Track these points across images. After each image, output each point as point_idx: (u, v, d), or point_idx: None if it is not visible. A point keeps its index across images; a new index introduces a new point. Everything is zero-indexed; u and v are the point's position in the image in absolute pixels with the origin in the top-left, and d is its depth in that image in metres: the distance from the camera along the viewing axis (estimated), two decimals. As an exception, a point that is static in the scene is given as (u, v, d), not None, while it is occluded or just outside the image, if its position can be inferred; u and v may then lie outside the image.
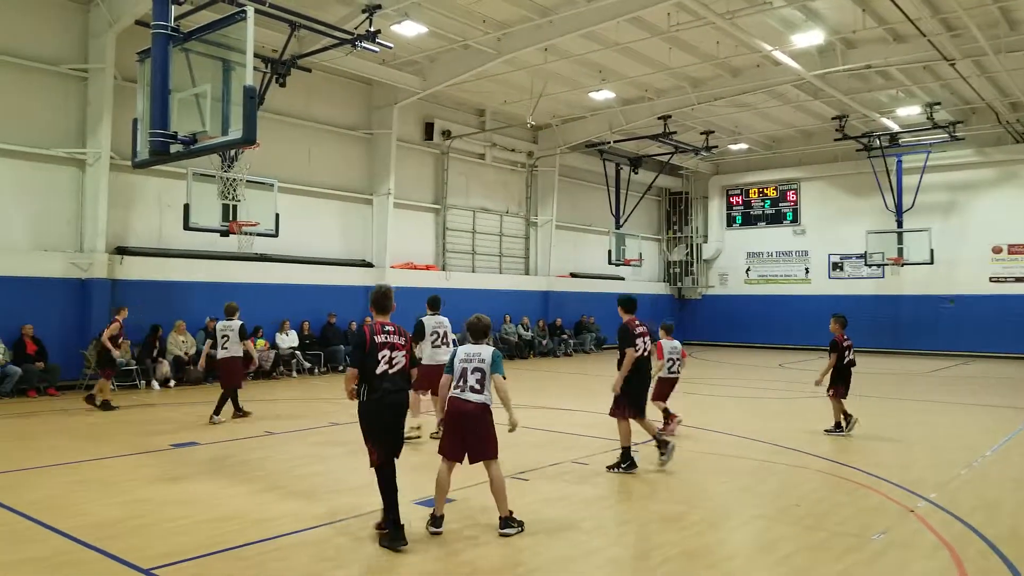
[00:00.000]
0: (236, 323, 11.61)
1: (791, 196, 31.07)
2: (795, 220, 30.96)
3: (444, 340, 10.10)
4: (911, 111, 23.77)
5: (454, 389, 6.25)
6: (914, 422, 12.86)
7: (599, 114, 24.58)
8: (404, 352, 6.10)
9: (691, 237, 33.35)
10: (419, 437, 9.92)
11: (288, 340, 18.20)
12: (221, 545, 5.78)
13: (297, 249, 19.34)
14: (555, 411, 12.81)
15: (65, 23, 15.34)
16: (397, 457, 6.08)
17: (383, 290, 6.26)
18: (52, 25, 15.23)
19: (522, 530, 6.18)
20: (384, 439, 6.00)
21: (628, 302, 8.97)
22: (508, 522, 6.17)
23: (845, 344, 11.03)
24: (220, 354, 11.53)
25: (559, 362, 23.52)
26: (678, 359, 10.68)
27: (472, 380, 6.16)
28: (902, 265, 25.67)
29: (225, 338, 11.50)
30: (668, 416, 10.64)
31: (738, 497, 7.57)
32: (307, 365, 18.27)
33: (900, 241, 25.62)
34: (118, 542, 5.82)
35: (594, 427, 11.38)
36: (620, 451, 8.57)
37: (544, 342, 25.22)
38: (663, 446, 8.74)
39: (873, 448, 10.11)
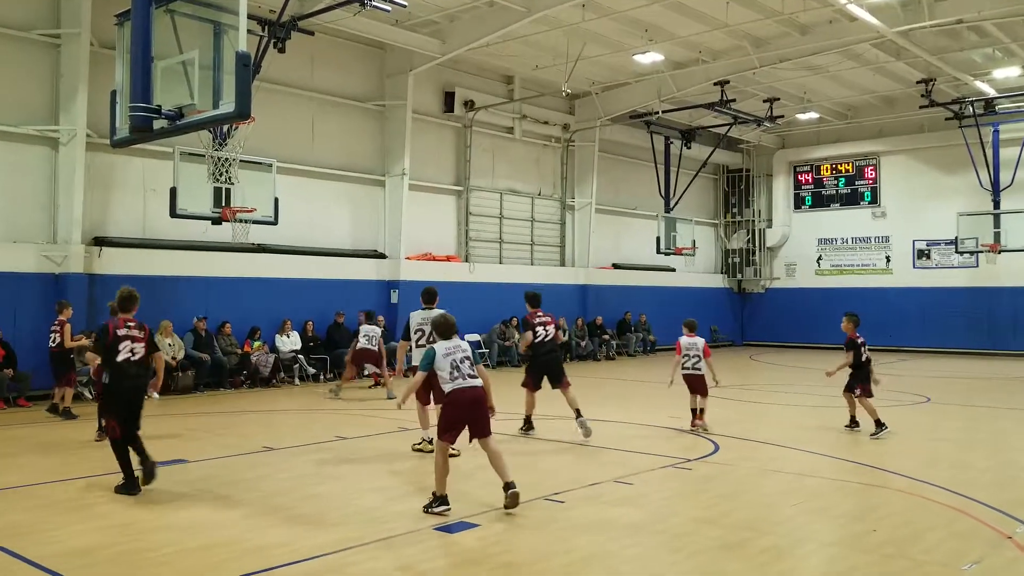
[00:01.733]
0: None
1: (869, 173, 30.68)
2: (874, 201, 30.59)
3: (430, 339, 10.00)
4: (1010, 72, 23.41)
5: (452, 381, 7.48)
6: (1013, 435, 12.62)
7: (645, 80, 24.40)
8: (143, 344, 8.26)
9: (753, 221, 33.08)
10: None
11: (289, 342, 18.30)
12: (212, 576, 5.78)
13: (299, 239, 19.44)
14: (594, 423, 12.70)
15: (34, -17, 15.52)
16: (132, 433, 8.12)
17: (128, 292, 8.44)
18: (20, -15, 15.42)
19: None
20: (123, 416, 8.08)
21: (533, 297, 12.02)
22: (511, 485, 7.39)
23: (860, 342, 12.08)
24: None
25: (600, 367, 23.43)
26: (698, 355, 12.02)
27: (466, 368, 7.54)
28: (999, 252, 25.23)
29: None
30: (697, 414, 12.16)
31: (808, 521, 7.51)
32: (311, 371, 18.35)
33: (997, 224, 25.24)
34: (97, 572, 5.86)
35: (638, 441, 11.34)
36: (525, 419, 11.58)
37: (583, 344, 25.17)
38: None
39: (964, 465, 9.96)
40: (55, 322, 13.11)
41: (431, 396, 10.37)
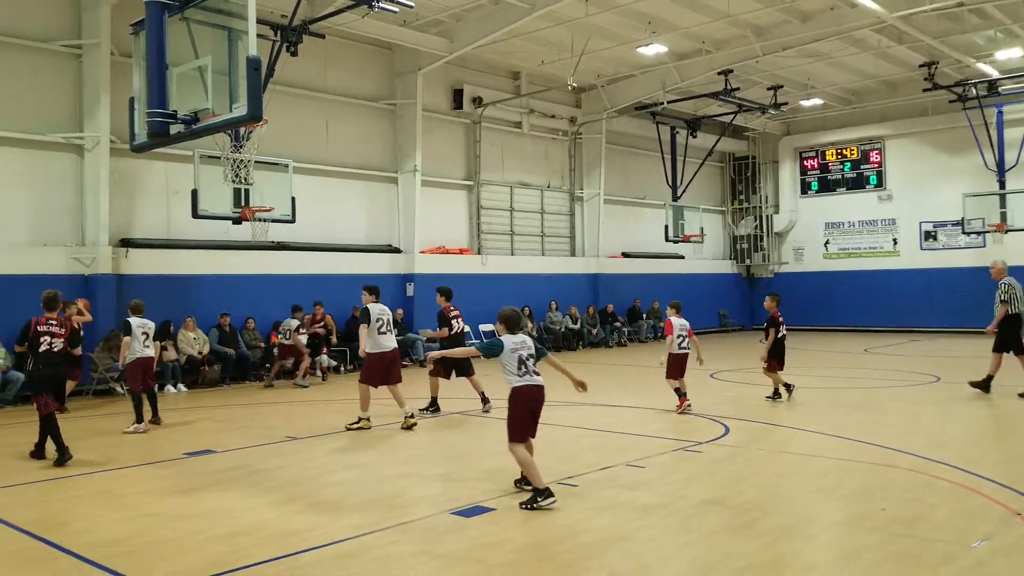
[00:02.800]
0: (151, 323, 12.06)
1: (874, 157, 30.51)
2: (880, 184, 30.42)
3: (388, 327, 11.64)
4: (1012, 54, 23.18)
5: (521, 376, 7.41)
6: (1019, 412, 12.52)
7: (650, 72, 24.37)
8: (63, 339, 9.66)
9: (760, 208, 32.96)
10: (369, 428, 11.31)
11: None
12: (238, 562, 5.87)
13: (316, 235, 19.59)
14: (606, 408, 12.80)
15: (55, -5, 15.66)
16: (57, 409, 9.52)
17: (50, 294, 9.79)
18: (41, -1, 15.55)
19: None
20: (51, 395, 9.45)
21: (447, 291, 13.00)
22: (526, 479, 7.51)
23: (780, 320, 13.17)
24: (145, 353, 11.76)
25: (611, 353, 23.47)
26: (686, 336, 12.37)
27: (531, 365, 7.45)
28: (1006, 232, 25.05)
29: (146, 336, 11.76)
30: (681, 396, 12.24)
31: (816, 501, 7.50)
32: (332, 363, 18.47)
33: (1003, 204, 25.07)
34: (128, 561, 5.95)
35: (650, 425, 11.39)
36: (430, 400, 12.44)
37: (594, 331, 25.22)
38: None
39: (971, 442, 9.95)
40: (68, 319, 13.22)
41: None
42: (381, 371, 11.49)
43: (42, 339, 9.51)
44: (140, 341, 11.60)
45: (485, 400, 12.57)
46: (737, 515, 6.95)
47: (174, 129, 8.50)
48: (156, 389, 12.30)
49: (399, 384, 11.61)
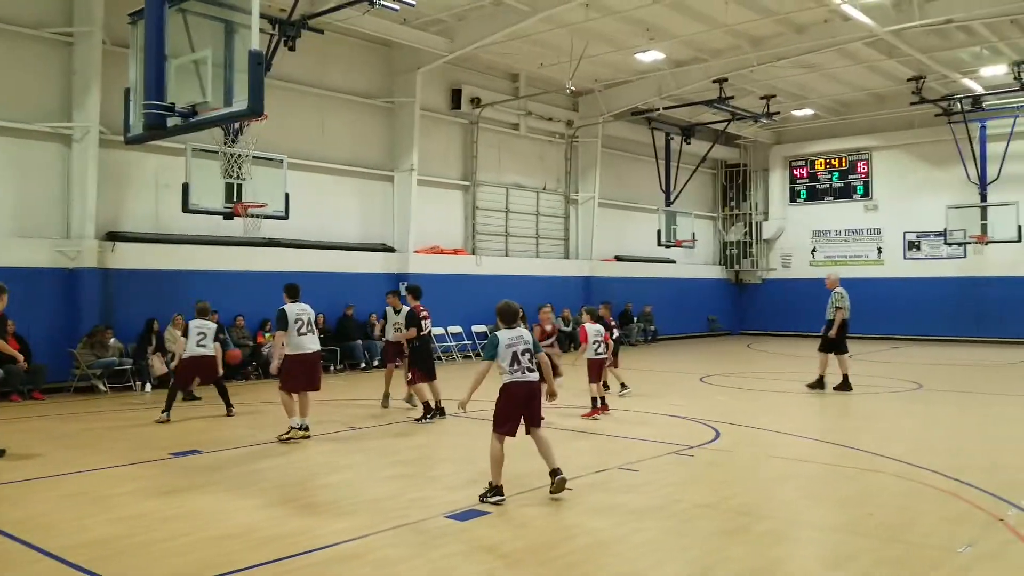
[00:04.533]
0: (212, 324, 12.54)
1: (862, 167, 30.52)
2: (866, 194, 30.45)
3: (310, 327, 10.72)
4: (996, 71, 23.27)
5: (512, 373, 7.34)
6: (1001, 419, 12.52)
7: (647, 78, 24.25)
8: None
9: (750, 215, 32.95)
10: (308, 437, 10.41)
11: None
12: (227, 566, 5.66)
13: (310, 233, 19.29)
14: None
15: (47, -18, 15.33)
16: None
17: None
18: (33, -15, 15.22)
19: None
20: None
21: (417, 290, 12.31)
22: (558, 471, 7.39)
23: (612, 324, 13.81)
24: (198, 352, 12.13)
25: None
26: (602, 341, 12.34)
27: (525, 361, 7.37)
28: (986, 243, 25.22)
29: (202, 336, 12.13)
30: (601, 403, 12.16)
31: (806, 506, 7.48)
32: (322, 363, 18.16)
33: (984, 217, 25.18)
34: (113, 564, 5.74)
35: (641, 428, 11.24)
36: (423, 406, 11.79)
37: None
38: (429, 414, 11.74)
39: (955, 449, 9.97)
40: None
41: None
42: (304, 375, 10.53)
43: None
44: (195, 341, 11.93)
45: (429, 410, 11.80)
46: (731, 519, 6.92)
47: (171, 122, 8.25)
48: (222, 384, 12.58)
49: (314, 391, 10.76)
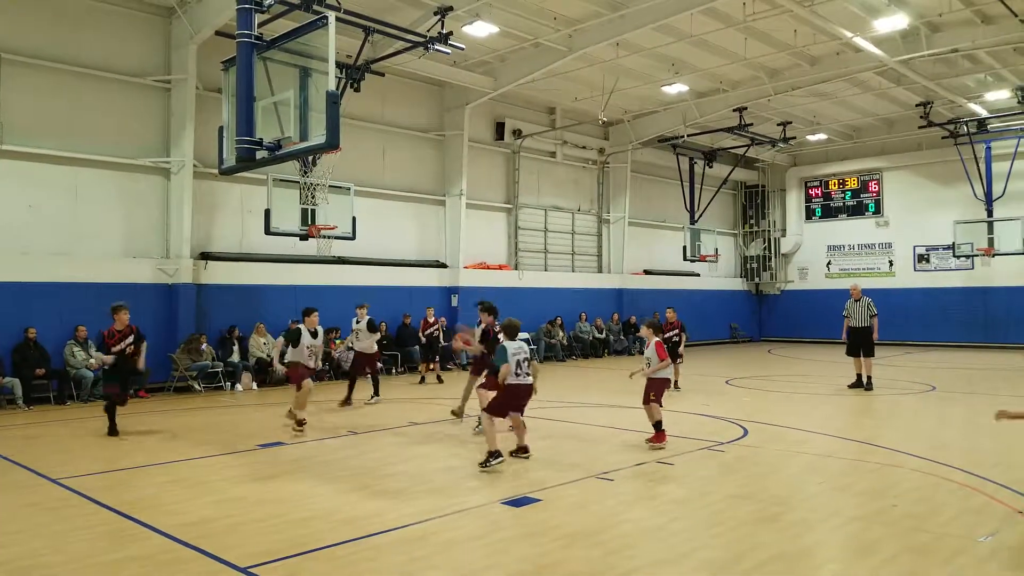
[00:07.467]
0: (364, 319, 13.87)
1: (873, 187, 30.10)
2: (878, 211, 30.00)
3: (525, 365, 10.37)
4: (1000, 95, 22.87)
5: (516, 377, 8.31)
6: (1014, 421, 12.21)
7: (672, 108, 24.25)
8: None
9: (768, 231, 32.61)
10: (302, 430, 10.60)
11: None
12: (312, 544, 5.83)
13: (373, 251, 19.61)
14: (633, 410, 12.61)
15: (148, 36, 15.87)
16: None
17: None
18: (136, 38, 15.76)
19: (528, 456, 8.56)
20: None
21: (491, 308, 10.84)
22: (526, 448, 8.68)
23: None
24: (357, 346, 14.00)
25: (633, 360, 23.17)
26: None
27: (525, 367, 8.39)
28: (993, 256, 24.71)
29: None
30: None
31: (834, 497, 7.35)
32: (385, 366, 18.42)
33: (990, 231, 24.73)
34: (214, 541, 5.92)
35: (673, 426, 11.18)
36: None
37: (620, 339, 25.06)
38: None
39: (971, 446, 9.73)
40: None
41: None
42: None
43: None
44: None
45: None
46: (761, 509, 6.84)
47: (260, 155, 8.56)
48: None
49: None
